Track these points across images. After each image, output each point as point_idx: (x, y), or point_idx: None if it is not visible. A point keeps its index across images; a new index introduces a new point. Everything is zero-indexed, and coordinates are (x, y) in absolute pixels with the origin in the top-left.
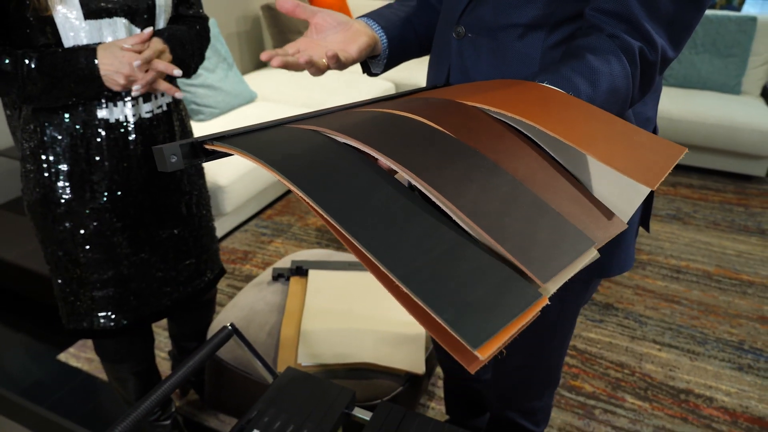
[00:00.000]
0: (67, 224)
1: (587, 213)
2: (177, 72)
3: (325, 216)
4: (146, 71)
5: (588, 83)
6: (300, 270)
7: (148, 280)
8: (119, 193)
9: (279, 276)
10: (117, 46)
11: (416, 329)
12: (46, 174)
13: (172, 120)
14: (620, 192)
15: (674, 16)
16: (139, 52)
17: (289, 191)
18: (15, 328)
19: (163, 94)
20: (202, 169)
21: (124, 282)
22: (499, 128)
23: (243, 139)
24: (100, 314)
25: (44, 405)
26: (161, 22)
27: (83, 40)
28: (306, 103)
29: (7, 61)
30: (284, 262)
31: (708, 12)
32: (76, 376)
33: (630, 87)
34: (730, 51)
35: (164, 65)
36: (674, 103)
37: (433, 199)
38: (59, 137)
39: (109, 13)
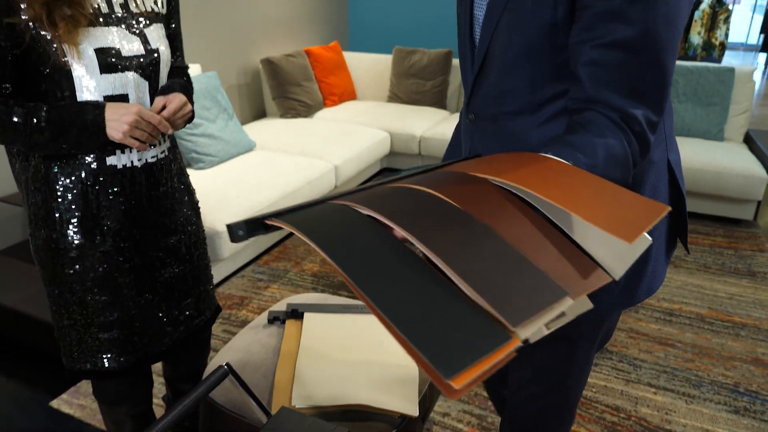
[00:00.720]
0: (77, 267)
1: (568, 268)
2: (170, 131)
3: (344, 275)
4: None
5: (586, 153)
6: (295, 313)
7: (151, 321)
8: (127, 235)
9: (275, 319)
10: (128, 106)
11: (410, 372)
12: (57, 220)
13: (171, 163)
14: (612, 249)
15: (643, 88)
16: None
17: (285, 237)
18: (7, 374)
19: (164, 141)
20: (198, 210)
21: (128, 323)
22: (499, 196)
23: (290, 216)
24: (105, 356)
25: None
26: (164, 75)
27: (95, 93)
28: (303, 151)
29: (18, 115)
30: (280, 306)
31: (689, 63)
32: (68, 422)
33: (628, 152)
34: (711, 100)
35: (165, 125)
36: None
37: (433, 260)
38: (70, 185)
39: (122, 69)
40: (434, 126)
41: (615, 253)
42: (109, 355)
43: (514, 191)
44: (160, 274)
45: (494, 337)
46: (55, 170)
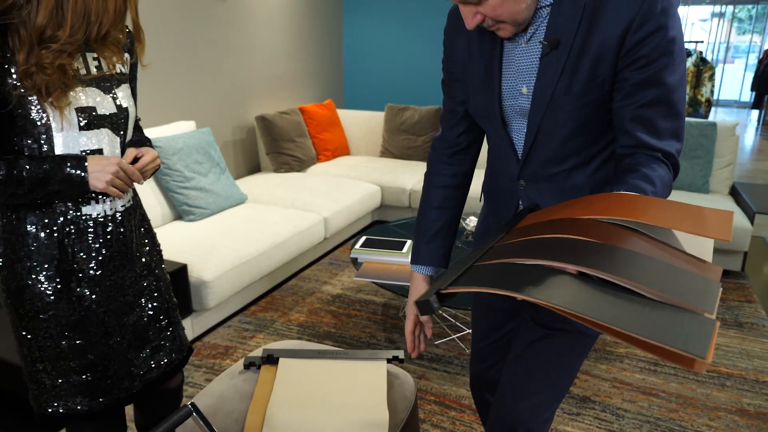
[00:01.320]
0: (51, 313)
1: (696, 265)
2: (142, 182)
3: (571, 311)
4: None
5: (649, 185)
6: (270, 359)
7: (122, 363)
8: (99, 281)
9: (251, 365)
10: (108, 158)
11: (380, 416)
12: (31, 268)
13: (136, 210)
14: (699, 250)
15: (672, 129)
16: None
17: (272, 288)
18: None
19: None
20: (161, 253)
21: (101, 366)
22: (617, 228)
23: (465, 278)
24: (78, 398)
25: None
26: (130, 130)
27: (73, 149)
28: (293, 204)
29: (2, 170)
30: (258, 352)
31: None
32: None
33: (671, 177)
34: (695, 153)
35: (138, 178)
36: None
37: (619, 282)
38: (45, 234)
39: (98, 126)
40: None
41: (703, 254)
42: (81, 398)
43: (621, 223)
44: (128, 318)
45: (706, 322)
46: (29, 221)
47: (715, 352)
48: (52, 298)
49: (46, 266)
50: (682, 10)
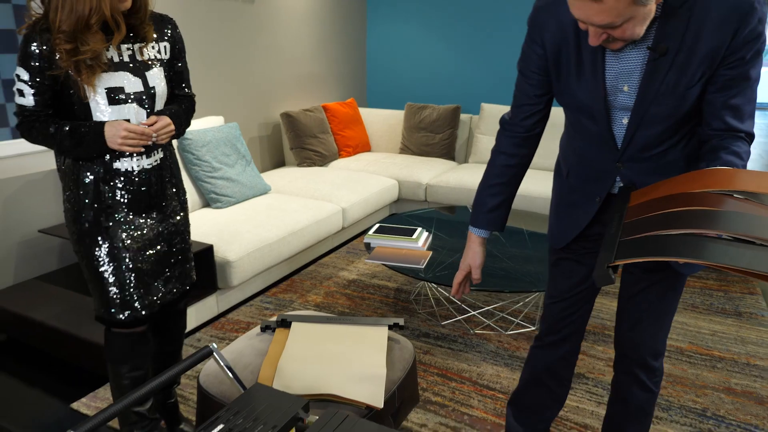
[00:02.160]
0: (88, 241)
1: None
2: (160, 141)
3: (728, 265)
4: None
5: (739, 159)
6: (284, 322)
7: (145, 286)
8: (125, 220)
9: (267, 328)
10: (119, 123)
11: (379, 371)
12: (81, 207)
13: (163, 170)
14: None
15: (751, 113)
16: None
17: (292, 273)
18: (33, 379)
19: (156, 152)
20: (186, 206)
21: (126, 286)
22: (727, 197)
23: (625, 251)
24: (111, 309)
25: None
26: (160, 104)
27: (107, 117)
28: (313, 195)
29: (52, 128)
30: (274, 318)
31: None
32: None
33: (749, 152)
34: None
35: (148, 135)
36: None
37: (749, 238)
38: (87, 181)
39: (125, 101)
40: (440, 175)
41: None
42: (115, 309)
43: (729, 192)
44: (151, 251)
45: None
46: (79, 169)
47: (710, 338)
48: (87, 226)
49: (87, 202)
50: None
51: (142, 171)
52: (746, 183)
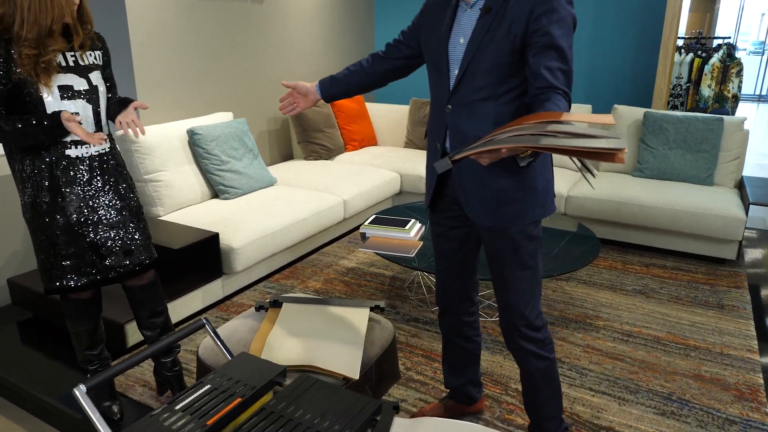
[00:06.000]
0: (47, 219)
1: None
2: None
3: (528, 145)
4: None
5: (560, 107)
6: (276, 303)
7: (99, 255)
8: (77, 198)
9: (260, 307)
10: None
11: (357, 347)
12: (35, 189)
13: (109, 158)
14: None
15: (568, 77)
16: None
17: (295, 261)
18: (55, 354)
19: (105, 143)
20: (134, 187)
21: (81, 255)
22: (545, 123)
23: (463, 150)
24: (68, 277)
25: (75, 407)
26: (103, 100)
27: (57, 108)
28: (317, 187)
29: (19, 123)
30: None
31: (678, 113)
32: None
33: (568, 108)
34: (701, 147)
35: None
36: (646, 191)
37: (558, 129)
38: (42, 167)
39: (74, 98)
40: None
41: (604, 132)
42: (70, 277)
43: (545, 120)
44: (102, 224)
45: (618, 137)
46: (32, 158)
47: (688, 328)
48: (46, 208)
49: (43, 189)
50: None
51: (91, 157)
52: (558, 117)
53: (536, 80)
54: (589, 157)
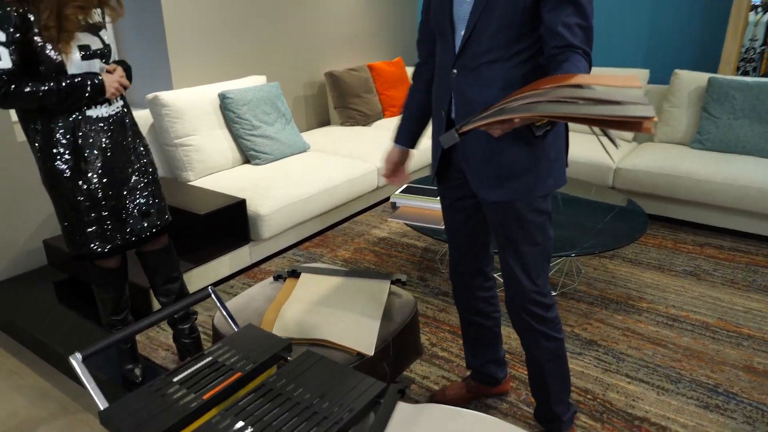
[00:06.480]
0: (69, 184)
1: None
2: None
3: (546, 113)
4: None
5: (579, 69)
6: (294, 273)
7: (120, 219)
8: (99, 160)
9: (279, 277)
10: (111, 74)
11: (374, 323)
12: (57, 153)
13: (125, 117)
14: (628, 96)
15: (587, 35)
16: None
17: (325, 229)
18: (89, 314)
19: (118, 101)
20: (149, 149)
21: (105, 220)
22: (561, 88)
23: (470, 121)
24: (93, 243)
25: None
26: (113, 59)
27: (78, 72)
28: (351, 154)
29: (44, 86)
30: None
31: (749, 79)
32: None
33: (588, 69)
34: None
35: (126, 83)
36: (705, 165)
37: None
38: (63, 130)
39: (92, 57)
40: None
41: (630, 97)
42: (95, 243)
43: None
44: (125, 187)
45: (647, 103)
46: (54, 124)
47: (743, 315)
48: (69, 174)
49: (64, 155)
50: None
51: (110, 117)
52: (577, 80)
53: (552, 39)
54: (613, 127)
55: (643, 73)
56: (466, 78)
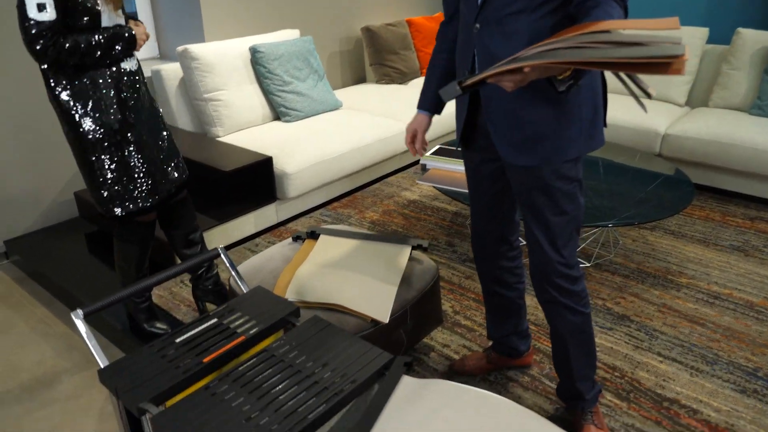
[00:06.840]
0: (118, 137)
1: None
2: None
3: (570, 60)
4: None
5: (612, 16)
6: (313, 234)
7: (161, 171)
8: (139, 113)
9: (297, 238)
10: (138, 26)
11: (390, 289)
12: (103, 108)
13: (141, 71)
14: (665, 37)
15: None
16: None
17: (354, 190)
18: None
19: (134, 56)
20: (162, 114)
21: (152, 173)
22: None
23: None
24: (141, 199)
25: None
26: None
27: (110, 24)
28: (384, 113)
29: (82, 40)
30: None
31: None
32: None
33: (623, 16)
34: None
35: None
36: (764, 132)
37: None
38: (106, 83)
39: (119, 7)
40: None
41: (658, 37)
42: (145, 198)
43: (599, 29)
44: (150, 143)
45: (677, 41)
46: (90, 78)
47: None
48: (118, 126)
49: (112, 106)
50: None
51: (136, 71)
52: (605, 26)
53: None
54: (639, 71)
55: (702, 32)
56: (489, 32)
